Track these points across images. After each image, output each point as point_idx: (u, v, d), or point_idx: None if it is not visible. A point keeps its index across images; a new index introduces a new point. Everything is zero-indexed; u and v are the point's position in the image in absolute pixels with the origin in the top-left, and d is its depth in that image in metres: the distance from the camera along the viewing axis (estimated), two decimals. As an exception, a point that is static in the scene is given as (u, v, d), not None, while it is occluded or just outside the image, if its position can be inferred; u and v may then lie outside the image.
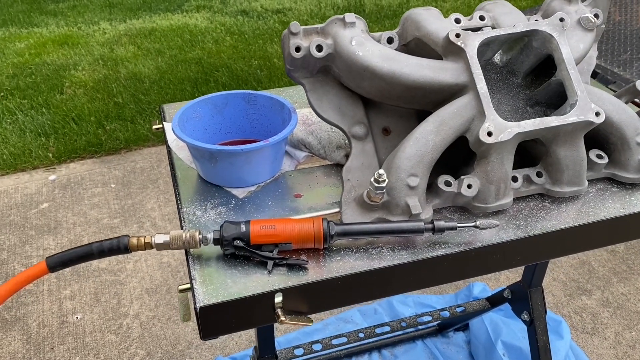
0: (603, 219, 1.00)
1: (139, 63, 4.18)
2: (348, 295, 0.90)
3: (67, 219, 2.79)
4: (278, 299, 0.85)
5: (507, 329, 2.10)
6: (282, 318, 0.84)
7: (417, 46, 1.09)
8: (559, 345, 2.06)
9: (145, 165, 3.17)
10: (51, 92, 3.79)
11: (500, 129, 0.96)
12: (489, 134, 0.95)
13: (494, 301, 1.79)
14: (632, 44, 3.19)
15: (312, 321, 0.87)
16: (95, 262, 2.54)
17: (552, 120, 0.98)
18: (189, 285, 0.87)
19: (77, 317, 2.29)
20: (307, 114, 1.25)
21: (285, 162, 1.16)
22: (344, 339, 1.70)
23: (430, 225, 0.93)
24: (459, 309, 1.79)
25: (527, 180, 1.06)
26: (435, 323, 2.18)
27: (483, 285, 2.35)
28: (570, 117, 0.98)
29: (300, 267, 0.90)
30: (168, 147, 1.18)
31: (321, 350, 1.67)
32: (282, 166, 1.14)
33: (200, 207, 1.03)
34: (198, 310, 0.82)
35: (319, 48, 1.03)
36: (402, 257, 0.92)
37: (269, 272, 0.89)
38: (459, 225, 0.94)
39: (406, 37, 1.10)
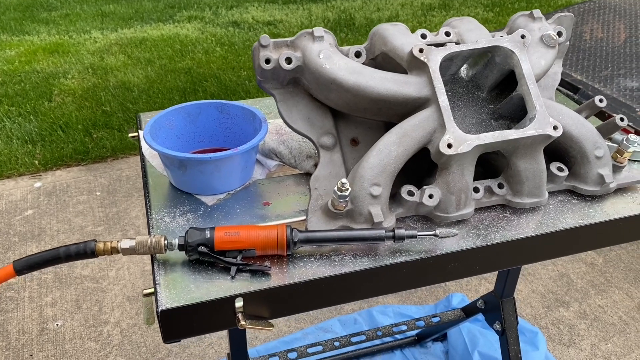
0: (561, 230, 1.03)
1: (128, 72, 4.20)
2: (309, 301, 0.92)
3: (51, 226, 2.80)
4: (239, 303, 0.87)
5: (483, 339, 2.12)
6: (242, 322, 0.86)
7: (384, 60, 1.12)
8: (534, 356, 2.09)
9: (131, 174, 3.19)
10: (39, 99, 3.81)
11: (460, 141, 0.99)
12: (449, 145, 0.98)
13: (469, 311, 1.81)
14: (613, 60, 3.25)
15: (272, 326, 0.89)
16: (77, 269, 2.55)
17: (511, 134, 1.01)
18: (153, 290, 0.89)
19: (57, 324, 2.29)
20: (280, 124, 1.28)
21: (256, 171, 1.19)
22: (320, 347, 1.72)
23: (391, 233, 0.96)
24: (434, 319, 1.81)
25: (489, 191, 1.09)
26: (412, 333, 2.20)
27: (462, 296, 2.38)
28: (528, 131, 1.01)
29: (263, 273, 0.92)
30: (142, 155, 1.21)
31: (297, 358, 1.68)
32: (252, 174, 1.17)
33: (169, 213, 1.05)
34: (159, 313, 0.84)
35: (289, 60, 1.06)
36: (363, 264, 0.95)
37: (232, 277, 0.91)
38: (419, 233, 0.96)
39: (374, 52, 1.13)
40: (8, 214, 2.87)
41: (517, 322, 1.64)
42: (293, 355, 1.69)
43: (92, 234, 2.76)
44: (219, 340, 2.24)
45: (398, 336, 2.21)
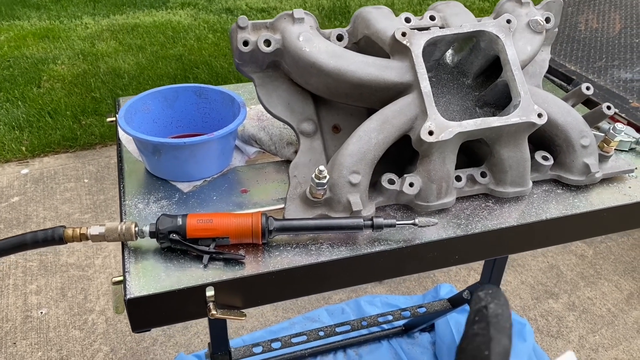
0: (544, 220, 1.01)
1: (119, 58, 4.15)
2: (283, 290, 0.90)
3: (37, 213, 2.77)
4: (210, 292, 0.84)
5: (471, 330, 2.11)
6: (214, 312, 0.84)
7: (367, 44, 1.09)
8: (521, 347, 2.08)
9: (120, 161, 3.15)
10: (28, 85, 3.76)
11: (442, 128, 0.96)
12: (430, 132, 0.95)
13: (455, 302, 1.80)
14: (607, 51, 3.22)
15: (245, 315, 0.87)
16: (63, 257, 2.52)
17: (494, 121, 0.98)
18: (122, 278, 0.87)
19: (41, 312, 2.26)
20: (261, 110, 1.25)
21: (235, 157, 1.16)
22: (304, 337, 1.70)
23: (369, 222, 0.93)
24: (420, 309, 1.80)
25: (471, 180, 1.06)
26: (399, 323, 2.18)
27: (450, 287, 2.36)
28: (512, 118, 0.99)
29: (236, 262, 0.90)
30: (118, 140, 1.18)
31: (280, 348, 1.66)
32: (231, 161, 1.14)
33: (143, 200, 1.02)
34: (127, 302, 0.81)
35: (267, 43, 1.03)
36: (340, 253, 0.92)
37: (205, 266, 0.88)
38: (398, 222, 0.94)
39: (357, 35, 1.10)
40: (-6, 200, 2.84)
41: (503, 314, 1.62)
42: (277, 344, 1.67)
43: (79, 221, 2.73)
44: (204, 330, 2.22)
45: (385, 326, 2.20)
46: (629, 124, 2.73)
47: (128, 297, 0.82)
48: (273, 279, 0.88)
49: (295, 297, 0.93)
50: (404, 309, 1.79)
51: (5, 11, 5.11)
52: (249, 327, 2.24)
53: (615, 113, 2.80)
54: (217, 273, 0.87)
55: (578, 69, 3.25)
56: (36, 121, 3.38)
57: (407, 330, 2.19)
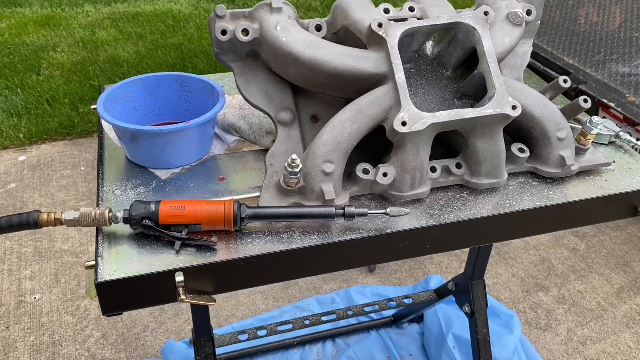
0: (516, 211, 1.02)
1: (119, 47, 4.16)
2: (253, 277, 0.91)
3: (33, 199, 2.79)
4: (179, 277, 0.86)
5: (459, 321, 2.12)
6: (183, 297, 0.85)
7: (345, 35, 1.09)
8: (508, 339, 2.09)
9: (117, 149, 3.17)
10: (27, 72, 3.78)
11: (415, 119, 0.97)
12: (403, 123, 0.96)
13: (441, 293, 1.81)
14: (606, 45, 3.20)
15: (214, 300, 0.88)
16: (58, 244, 2.55)
17: (468, 112, 0.99)
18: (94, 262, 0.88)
19: (35, 297, 2.29)
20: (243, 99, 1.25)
21: (215, 146, 1.17)
22: (290, 325, 1.72)
23: (341, 211, 0.94)
24: (406, 300, 1.81)
25: (446, 170, 1.07)
26: (387, 313, 2.20)
27: (440, 278, 2.38)
28: (486, 110, 0.99)
29: (208, 248, 0.91)
30: (100, 127, 1.19)
31: (266, 335, 1.68)
32: (211, 149, 1.15)
33: (120, 186, 1.04)
34: (97, 285, 0.83)
35: (245, 32, 1.04)
36: (311, 241, 0.94)
37: (177, 252, 0.90)
38: (369, 211, 0.95)
39: (336, 26, 1.11)
40: (-9, 186, 2.86)
41: (487, 305, 1.63)
42: (262, 332, 1.69)
43: (74, 208, 2.75)
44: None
45: (374, 316, 2.22)
46: (625, 118, 2.72)
47: (99, 280, 0.83)
48: (243, 265, 0.89)
49: (267, 283, 0.94)
50: (390, 299, 1.80)
51: (7, -2, 5.12)
52: (239, 315, 2.26)
53: (611, 107, 2.78)
54: (189, 259, 0.89)
55: (576, 62, 3.23)
56: (34, 108, 3.40)
57: (395, 321, 2.20)
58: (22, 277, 2.38)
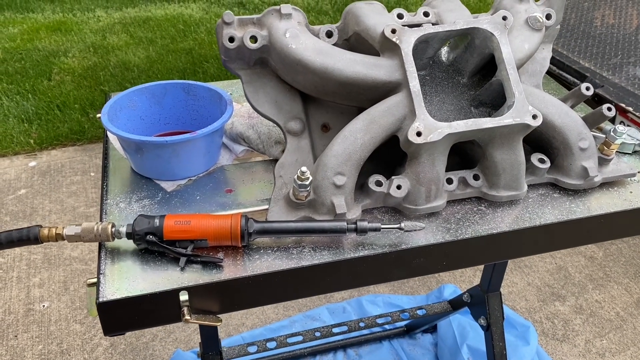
0: (537, 226, 0.97)
1: (129, 52, 4.15)
2: (261, 296, 0.87)
3: (43, 206, 2.78)
4: (183, 297, 0.82)
5: (474, 332, 2.07)
6: (187, 317, 0.81)
7: (357, 41, 1.05)
8: (524, 351, 2.03)
9: (127, 155, 3.15)
10: (39, 78, 3.78)
11: (430, 129, 0.92)
12: (418, 134, 0.92)
13: (455, 304, 1.76)
14: (623, 48, 3.13)
15: (221, 320, 0.85)
16: (67, 251, 2.53)
17: (486, 122, 0.94)
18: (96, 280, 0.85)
19: (43, 305, 2.27)
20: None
21: (223, 156, 1.13)
22: (300, 337, 1.68)
23: (353, 226, 0.90)
24: (419, 311, 1.76)
25: (463, 182, 1.02)
26: (397, 324, 2.15)
27: (454, 287, 2.32)
28: (505, 119, 0.95)
29: (214, 265, 0.87)
30: (106, 137, 1.16)
31: (275, 347, 1.64)
32: (218, 160, 1.12)
33: (125, 199, 1.00)
34: (98, 305, 0.79)
35: (254, 39, 1.00)
36: (322, 258, 0.90)
37: (182, 269, 0.86)
38: (382, 226, 0.91)
39: (347, 32, 1.07)
40: (1, 192, 2.85)
41: (503, 318, 1.58)
42: (272, 344, 1.65)
43: (84, 215, 2.73)
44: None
45: (387, 326, 2.17)
46: (644, 123, 2.64)
47: (100, 300, 0.80)
48: (250, 284, 0.85)
49: (274, 302, 0.90)
50: (403, 311, 1.75)
51: (20, 4, 5.14)
52: (249, 324, 2.22)
53: (629, 112, 2.71)
54: (194, 276, 0.85)
55: (592, 65, 3.16)
56: (45, 114, 3.39)
57: (408, 331, 2.15)
58: (31, 285, 2.36)
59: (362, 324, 1.72)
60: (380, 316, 1.75)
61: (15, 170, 3.02)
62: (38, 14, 4.93)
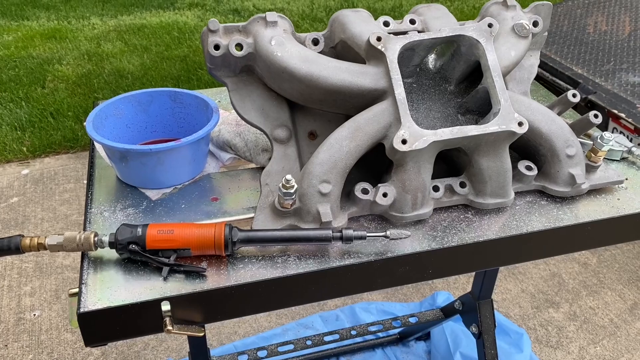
0: (524, 233, 0.96)
1: (124, 59, 4.15)
2: (245, 305, 0.86)
3: (35, 214, 2.77)
4: (165, 307, 0.81)
5: (467, 340, 2.06)
6: (169, 327, 0.81)
7: (343, 49, 1.05)
8: (518, 358, 2.02)
9: (120, 162, 3.14)
10: (32, 85, 3.77)
11: (416, 136, 0.92)
12: (404, 141, 0.91)
13: (447, 312, 1.75)
14: (616, 54, 3.14)
15: (203, 331, 0.84)
16: (59, 259, 2.51)
17: (471, 129, 0.94)
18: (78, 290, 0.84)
19: (34, 314, 2.26)
20: (240, 115, 1.21)
21: (209, 164, 1.13)
22: (291, 346, 1.67)
23: (338, 234, 0.90)
24: (412, 319, 1.75)
25: (450, 190, 1.02)
26: (391, 332, 2.14)
27: (447, 294, 2.31)
28: (491, 127, 0.94)
29: (197, 274, 0.87)
30: (92, 145, 1.15)
31: (266, 357, 1.63)
32: (204, 168, 1.11)
33: (109, 208, 0.99)
34: (79, 315, 0.78)
35: (239, 47, 1.00)
36: (307, 267, 0.89)
37: (164, 278, 0.85)
38: (368, 234, 0.90)
39: (334, 40, 1.06)
40: (-7, 201, 2.84)
41: (495, 325, 1.57)
42: (263, 353, 1.64)
43: (76, 223, 2.72)
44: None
45: (380, 334, 2.16)
46: (636, 129, 2.65)
47: (81, 310, 0.79)
48: (233, 294, 0.84)
49: (259, 312, 0.89)
50: (395, 318, 1.75)
51: (15, 11, 5.15)
52: (241, 332, 2.21)
53: (622, 118, 2.72)
54: (177, 286, 0.84)
55: (585, 72, 3.17)
56: (38, 122, 3.39)
57: (402, 339, 2.14)
58: (22, 293, 2.34)
59: (354, 332, 1.71)
60: (372, 324, 1.74)
61: (8, 178, 3.01)
62: (33, 21, 4.93)
